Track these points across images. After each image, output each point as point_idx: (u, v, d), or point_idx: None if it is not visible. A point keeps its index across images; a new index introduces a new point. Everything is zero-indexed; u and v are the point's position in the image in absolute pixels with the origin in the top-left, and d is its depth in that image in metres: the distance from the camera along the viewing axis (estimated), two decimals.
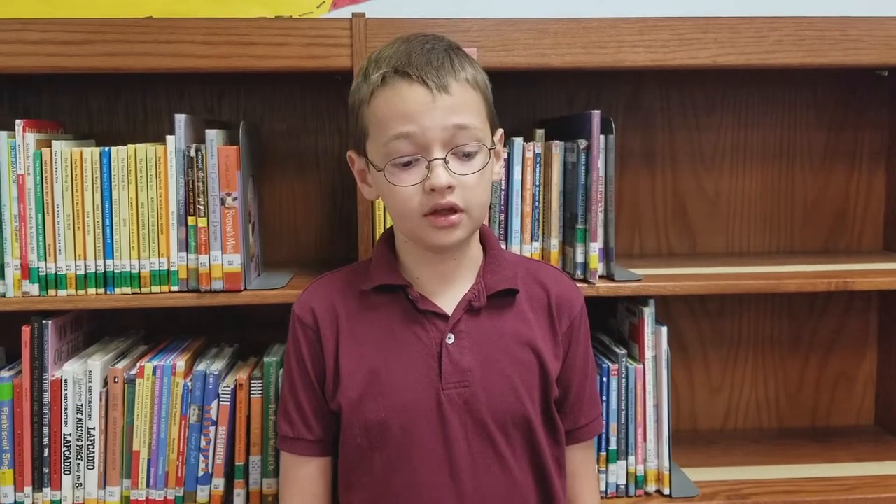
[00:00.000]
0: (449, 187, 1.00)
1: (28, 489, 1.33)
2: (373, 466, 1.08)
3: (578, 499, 1.19)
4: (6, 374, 1.34)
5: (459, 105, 1.01)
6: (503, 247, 1.26)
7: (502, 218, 1.39)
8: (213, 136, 1.30)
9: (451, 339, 1.07)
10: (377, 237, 1.37)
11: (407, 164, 1.01)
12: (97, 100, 1.59)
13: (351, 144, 1.11)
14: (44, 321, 1.32)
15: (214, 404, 1.34)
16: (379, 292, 1.10)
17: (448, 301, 1.09)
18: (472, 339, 1.08)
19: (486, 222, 1.30)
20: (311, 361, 1.12)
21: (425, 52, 1.01)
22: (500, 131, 1.10)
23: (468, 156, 1.02)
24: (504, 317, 1.10)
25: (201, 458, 1.34)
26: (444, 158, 1.00)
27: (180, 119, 1.31)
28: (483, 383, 1.07)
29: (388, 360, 1.07)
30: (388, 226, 1.38)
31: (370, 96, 1.03)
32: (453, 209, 1.01)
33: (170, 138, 1.31)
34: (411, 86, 1.00)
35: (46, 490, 1.33)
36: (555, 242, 1.41)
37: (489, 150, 1.04)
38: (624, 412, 1.39)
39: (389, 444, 1.06)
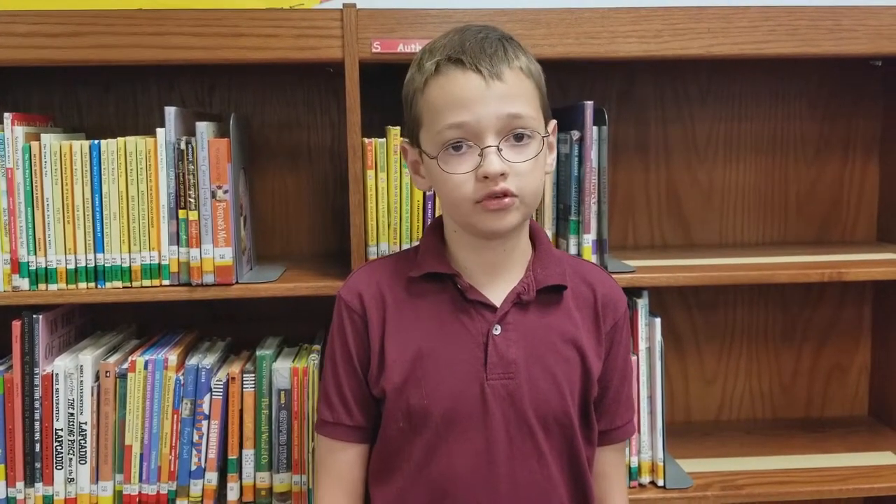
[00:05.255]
0: (502, 174, 0.99)
1: (20, 484, 1.33)
2: (411, 452, 1.07)
3: (608, 500, 1.18)
4: None
5: (513, 93, 1.00)
6: None
7: None
8: (204, 128, 1.29)
9: (497, 330, 1.06)
10: (370, 230, 1.37)
11: (460, 152, 1.01)
12: (87, 93, 1.58)
13: (404, 135, 1.10)
14: (34, 315, 1.31)
15: (207, 398, 1.33)
16: (427, 280, 1.09)
17: (496, 293, 1.08)
18: (518, 332, 1.07)
19: None
20: (355, 347, 1.10)
21: (479, 41, 1.01)
22: (554, 122, 1.09)
23: (521, 144, 1.01)
24: (551, 313, 1.10)
25: (194, 452, 1.34)
26: (498, 146, 0.99)
27: (170, 112, 1.30)
28: (527, 377, 1.06)
29: (434, 348, 1.07)
30: (381, 220, 1.38)
31: (424, 85, 1.03)
32: (506, 194, 1.00)
33: (160, 131, 1.30)
34: (465, 74, 0.99)
35: (38, 485, 1.33)
36: (548, 234, 1.40)
37: (542, 138, 1.03)
38: None
39: (429, 431, 1.06)
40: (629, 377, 1.19)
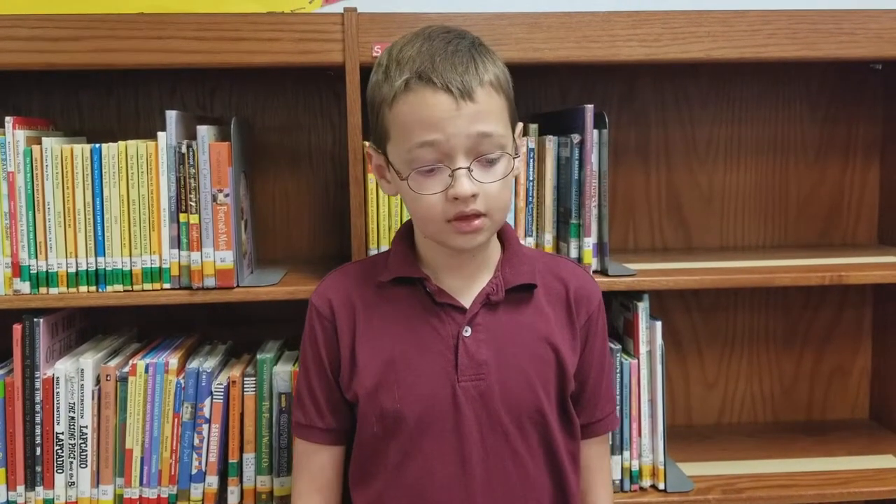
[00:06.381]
0: (473, 196, 1.00)
1: (20, 488, 1.33)
2: (386, 456, 1.08)
3: (591, 492, 1.19)
4: None
5: (483, 112, 1.00)
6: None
7: None
8: (205, 132, 1.29)
9: (467, 331, 1.07)
10: (370, 233, 1.37)
11: (430, 172, 1.01)
12: (88, 96, 1.58)
13: (371, 139, 1.10)
14: (35, 319, 1.31)
15: (207, 402, 1.33)
16: (397, 284, 1.10)
17: (466, 294, 1.09)
18: (488, 332, 1.08)
19: None
20: (326, 351, 1.12)
21: (449, 55, 1.00)
22: (520, 126, 1.10)
23: (491, 163, 1.02)
24: (521, 311, 1.11)
25: (195, 455, 1.33)
26: (468, 167, 1.00)
27: (171, 115, 1.30)
28: (498, 377, 1.07)
29: (405, 351, 1.08)
30: (382, 222, 1.38)
31: (392, 99, 1.02)
32: (476, 214, 1.01)
33: (161, 135, 1.30)
34: (435, 93, 0.99)
35: (39, 489, 1.33)
36: (549, 237, 1.40)
37: (512, 157, 1.04)
38: (619, 407, 1.39)
39: (403, 434, 1.07)
40: (608, 370, 1.20)
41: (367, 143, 1.12)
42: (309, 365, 1.14)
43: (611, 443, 1.39)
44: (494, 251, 1.13)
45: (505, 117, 1.04)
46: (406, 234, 1.14)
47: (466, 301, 1.09)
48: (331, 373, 1.12)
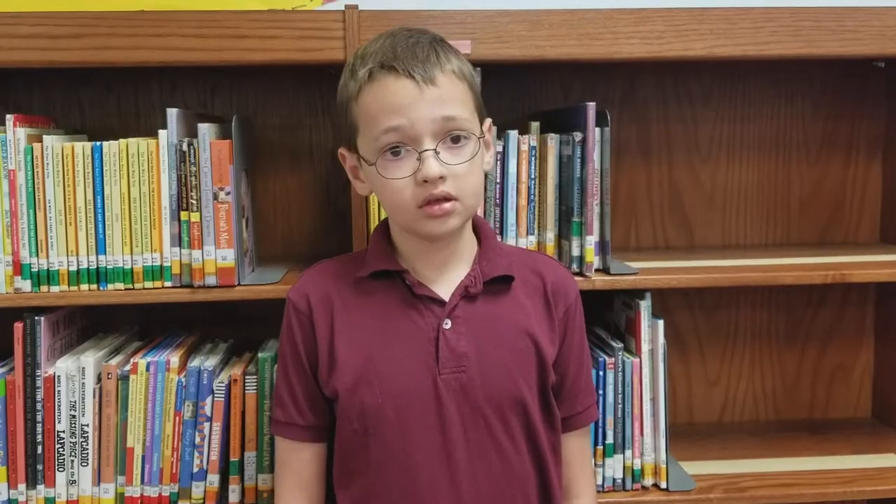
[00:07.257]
0: (441, 177, 1.01)
1: (22, 486, 1.33)
2: (368, 453, 1.08)
3: (574, 486, 1.19)
4: None
5: (446, 97, 1.02)
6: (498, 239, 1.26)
7: (498, 211, 1.38)
8: (206, 130, 1.29)
9: (447, 324, 1.08)
10: (372, 231, 1.37)
11: (398, 157, 1.02)
12: (89, 94, 1.58)
13: (342, 141, 1.12)
14: (36, 317, 1.31)
15: (209, 400, 1.33)
16: (375, 279, 1.11)
17: (444, 288, 1.10)
18: (468, 324, 1.08)
19: (480, 214, 1.29)
20: (304, 347, 1.12)
21: (410, 46, 1.03)
22: (489, 121, 1.11)
23: (458, 146, 1.03)
24: (500, 303, 1.11)
25: (196, 454, 1.33)
26: (435, 149, 1.01)
27: (172, 113, 1.30)
28: (479, 368, 1.07)
29: (385, 346, 1.08)
30: (382, 220, 1.37)
31: (358, 92, 1.04)
32: (446, 198, 1.02)
33: (162, 132, 1.30)
34: (398, 79, 1.01)
35: (40, 487, 1.33)
36: (550, 236, 1.40)
37: (478, 139, 1.05)
38: (621, 406, 1.39)
39: (385, 430, 1.07)
40: (586, 362, 1.20)
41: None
42: (287, 361, 1.14)
43: (612, 442, 1.39)
44: (470, 245, 1.13)
45: (470, 105, 1.06)
46: (383, 230, 1.15)
47: (445, 293, 1.09)
48: (309, 369, 1.13)
